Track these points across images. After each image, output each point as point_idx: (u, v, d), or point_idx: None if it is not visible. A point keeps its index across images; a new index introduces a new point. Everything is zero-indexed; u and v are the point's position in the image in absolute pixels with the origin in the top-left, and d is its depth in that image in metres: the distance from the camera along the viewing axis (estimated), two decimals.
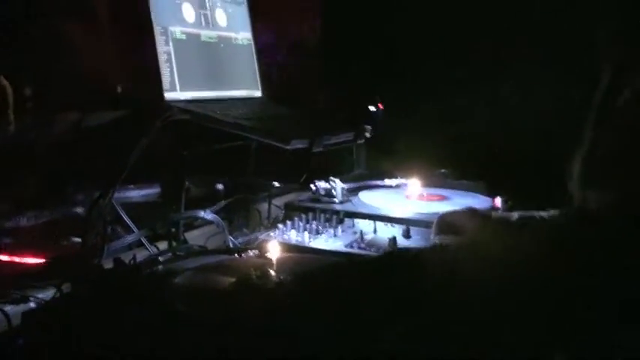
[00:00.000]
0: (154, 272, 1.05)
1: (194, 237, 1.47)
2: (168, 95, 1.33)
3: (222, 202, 1.50)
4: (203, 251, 1.23)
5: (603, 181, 0.90)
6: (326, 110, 1.59)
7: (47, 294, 1.12)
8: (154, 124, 1.24)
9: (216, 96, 1.48)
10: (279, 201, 1.70)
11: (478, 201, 1.59)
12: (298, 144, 1.29)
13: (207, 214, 1.38)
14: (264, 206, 1.69)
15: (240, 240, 1.46)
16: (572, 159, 0.97)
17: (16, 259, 1.31)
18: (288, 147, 1.27)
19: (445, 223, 1.28)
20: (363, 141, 1.61)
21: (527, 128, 1.78)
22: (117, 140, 1.40)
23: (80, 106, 1.52)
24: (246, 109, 1.46)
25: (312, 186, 1.58)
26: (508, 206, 1.53)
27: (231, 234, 1.52)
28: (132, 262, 1.08)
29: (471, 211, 1.27)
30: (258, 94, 1.65)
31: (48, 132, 1.55)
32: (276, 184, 1.63)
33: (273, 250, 1.13)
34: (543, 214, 1.24)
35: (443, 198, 1.63)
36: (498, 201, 1.55)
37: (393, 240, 1.28)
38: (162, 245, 1.41)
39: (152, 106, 1.31)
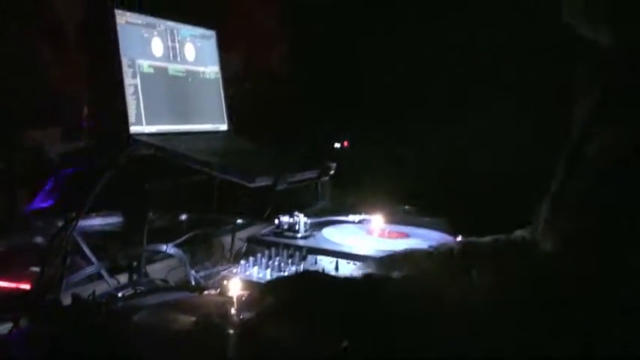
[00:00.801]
0: (112, 310, 1.04)
1: (155, 270, 1.46)
2: (134, 128, 1.33)
3: (185, 236, 1.49)
4: (164, 287, 1.22)
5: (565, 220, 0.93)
6: (291, 146, 1.60)
7: (3, 328, 1.10)
8: (118, 158, 1.23)
9: (182, 129, 1.48)
10: (242, 234, 1.69)
11: (438, 238, 1.61)
12: (262, 181, 1.30)
13: (169, 249, 1.37)
14: (227, 239, 1.69)
15: (202, 274, 1.46)
16: (539, 200, 1.00)
17: None
18: (252, 185, 1.27)
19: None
20: (327, 178, 1.62)
21: (491, 170, 1.83)
22: (81, 170, 1.39)
23: (43, 132, 1.50)
24: (211, 144, 1.47)
25: (275, 220, 1.58)
26: None
27: (193, 268, 1.52)
28: (90, 298, 1.07)
29: (409, 252, 1.26)
30: (224, 127, 1.65)
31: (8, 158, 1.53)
32: (240, 220, 1.63)
33: (235, 288, 1.13)
34: (486, 239, 1.26)
35: (405, 235, 1.65)
36: (459, 239, 1.57)
37: None
38: (123, 278, 1.40)
39: (117, 139, 1.31)
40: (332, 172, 1.60)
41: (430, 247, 1.24)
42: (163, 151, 1.31)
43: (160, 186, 1.42)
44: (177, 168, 1.39)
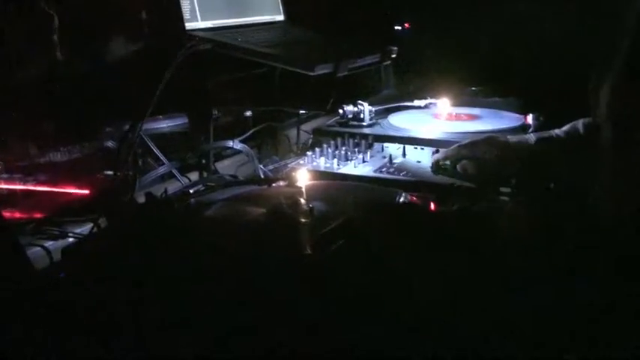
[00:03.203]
0: (185, 205, 1.06)
1: (224, 167, 1.48)
2: (190, 25, 1.31)
3: (250, 131, 1.49)
4: (233, 182, 1.23)
5: None
6: (350, 32, 1.54)
7: (85, 229, 1.15)
8: (176, 56, 1.22)
9: (237, 22, 1.44)
10: (307, 126, 1.69)
11: (509, 119, 1.56)
12: (323, 69, 1.27)
13: (236, 144, 1.38)
14: (293, 132, 1.69)
15: (270, 167, 1.47)
16: (597, 87, 0.93)
17: (54, 191, 1.34)
18: (312, 73, 1.24)
19: (463, 155, 1.26)
20: (389, 62, 1.57)
21: (559, 45, 1.72)
22: (142, 72, 1.39)
23: (103, 38, 1.50)
24: (268, 35, 1.43)
25: (339, 110, 1.56)
26: (540, 122, 1.50)
27: (260, 162, 1.53)
28: (163, 195, 1.09)
29: (488, 140, 1.25)
30: (280, 17, 1.60)
31: (74, 65, 1.54)
32: (302, 111, 1.61)
33: (303, 179, 1.13)
34: (558, 131, 1.24)
35: (473, 117, 1.60)
36: (530, 118, 1.52)
37: None
38: (194, 176, 1.43)
39: (174, 38, 1.29)
40: (394, 55, 1.54)
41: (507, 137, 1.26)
42: (221, 46, 1.28)
43: (220, 82, 1.41)
44: (237, 62, 1.37)
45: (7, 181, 1.36)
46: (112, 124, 1.46)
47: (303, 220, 1.01)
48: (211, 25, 1.36)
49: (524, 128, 1.49)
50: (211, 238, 0.95)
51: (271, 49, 1.31)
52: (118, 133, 1.40)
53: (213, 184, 1.22)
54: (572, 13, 1.71)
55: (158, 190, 1.26)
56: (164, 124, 1.60)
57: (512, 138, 1.25)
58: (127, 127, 1.29)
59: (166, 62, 1.23)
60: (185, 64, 1.31)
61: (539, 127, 1.47)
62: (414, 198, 1.09)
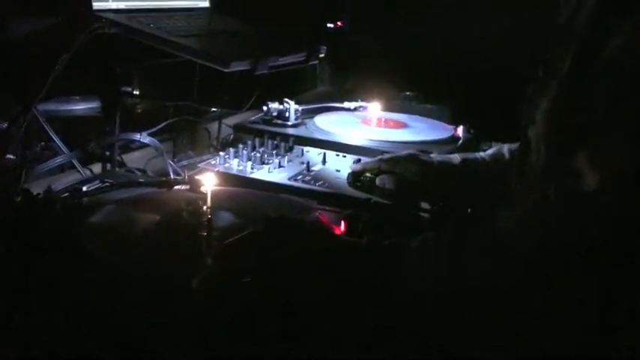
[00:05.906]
0: (68, 206, 0.96)
1: (134, 159, 1.38)
2: (99, 5, 1.19)
3: (161, 124, 1.38)
4: (131, 182, 1.12)
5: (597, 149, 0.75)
6: (278, 27, 1.45)
7: None
8: (79, 37, 1.11)
9: (155, 6, 1.33)
10: (231, 121, 1.59)
11: (439, 130, 1.50)
12: (239, 66, 1.17)
13: (143, 137, 1.27)
14: (215, 126, 1.59)
15: (184, 163, 1.37)
16: (532, 101, 0.85)
17: None
18: (226, 69, 1.15)
19: (383, 169, 1.19)
20: (316, 62, 1.48)
21: (494, 56, 1.67)
22: (44, 52, 1.27)
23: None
24: (187, 23, 1.32)
25: (264, 107, 1.47)
26: (471, 135, 1.45)
27: (175, 156, 1.43)
28: (46, 193, 0.98)
29: (411, 157, 1.19)
30: (204, 4, 1.49)
31: None
32: (214, 108, 1.51)
33: (209, 183, 1.04)
34: (484, 155, 1.17)
35: (402, 125, 1.54)
36: (460, 130, 1.46)
37: None
38: (97, 168, 1.32)
39: (80, 17, 1.18)
40: (322, 55, 1.46)
41: (430, 156, 1.19)
42: (129, 31, 1.17)
43: (132, 69, 1.30)
44: (154, 49, 1.27)
45: None
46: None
47: (200, 232, 0.93)
48: (124, 7, 1.24)
49: (453, 140, 1.43)
50: (92, 247, 0.85)
51: (186, 39, 1.20)
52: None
53: (110, 182, 1.12)
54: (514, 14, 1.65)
55: (55, 182, 1.15)
56: (80, 106, 1.48)
57: (435, 157, 1.18)
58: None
59: (66, 43, 1.12)
60: (94, 47, 1.20)
61: (468, 141, 1.42)
62: (323, 216, 1.01)
